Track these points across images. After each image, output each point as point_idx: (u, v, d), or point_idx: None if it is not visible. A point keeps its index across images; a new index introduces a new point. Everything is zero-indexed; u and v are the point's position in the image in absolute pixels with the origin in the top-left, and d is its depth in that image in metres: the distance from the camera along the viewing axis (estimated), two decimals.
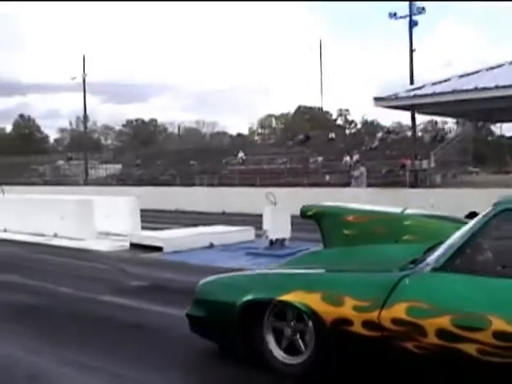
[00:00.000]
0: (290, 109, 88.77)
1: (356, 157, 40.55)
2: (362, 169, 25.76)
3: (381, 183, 27.80)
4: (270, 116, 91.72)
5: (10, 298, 7.83)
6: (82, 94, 54.40)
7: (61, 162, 63.30)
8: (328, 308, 4.00)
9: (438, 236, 4.63)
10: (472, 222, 4.00)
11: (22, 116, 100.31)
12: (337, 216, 5.63)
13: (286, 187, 25.28)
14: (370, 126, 72.34)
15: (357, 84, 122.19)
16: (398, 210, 6.02)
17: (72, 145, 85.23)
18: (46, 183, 48.23)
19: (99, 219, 14.25)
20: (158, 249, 11.82)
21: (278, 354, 4.43)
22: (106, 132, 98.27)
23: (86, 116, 52.27)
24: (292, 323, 4.37)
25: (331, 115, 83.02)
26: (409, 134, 38.54)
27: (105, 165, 56.68)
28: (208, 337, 5.04)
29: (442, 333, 3.58)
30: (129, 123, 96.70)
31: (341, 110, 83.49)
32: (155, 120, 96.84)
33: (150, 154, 57.93)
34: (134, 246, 12.50)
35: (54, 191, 32.34)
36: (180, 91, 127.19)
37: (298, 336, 4.35)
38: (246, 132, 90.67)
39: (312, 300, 4.07)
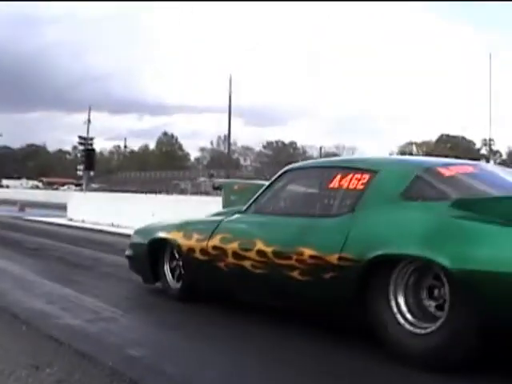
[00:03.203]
0: (432, 137, 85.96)
1: None
2: None
3: None
4: (410, 143, 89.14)
5: None
6: (224, 115, 54.93)
7: (202, 179, 64.30)
8: (185, 241, 5.62)
9: None
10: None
11: (165, 134, 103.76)
12: (229, 186, 7.68)
13: None
14: None
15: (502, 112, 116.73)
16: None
17: (212, 163, 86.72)
18: None
19: None
20: None
21: (169, 280, 5.99)
22: (245, 153, 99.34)
23: (229, 134, 52.55)
24: (177, 256, 5.89)
25: (474, 144, 79.58)
26: None
27: None
28: (136, 272, 6.55)
29: (234, 254, 4.99)
30: (269, 145, 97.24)
31: (485, 139, 79.65)
32: (295, 143, 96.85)
33: None
34: None
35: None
36: (319, 116, 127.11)
37: (178, 266, 5.88)
38: None
39: (178, 236, 5.73)
